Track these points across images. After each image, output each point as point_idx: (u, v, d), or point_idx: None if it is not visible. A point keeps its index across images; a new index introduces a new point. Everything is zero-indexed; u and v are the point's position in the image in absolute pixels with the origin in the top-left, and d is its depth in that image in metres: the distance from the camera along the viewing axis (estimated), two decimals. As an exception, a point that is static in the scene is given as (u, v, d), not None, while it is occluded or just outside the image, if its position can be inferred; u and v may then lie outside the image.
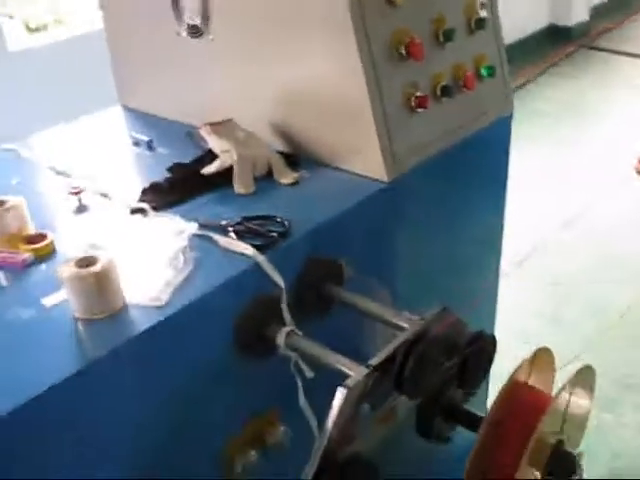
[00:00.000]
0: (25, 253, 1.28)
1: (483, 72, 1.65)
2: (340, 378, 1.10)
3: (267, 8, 1.53)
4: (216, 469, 1.29)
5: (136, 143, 1.76)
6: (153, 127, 1.84)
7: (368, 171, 1.47)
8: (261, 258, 1.21)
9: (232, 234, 1.27)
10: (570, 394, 1.56)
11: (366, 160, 1.47)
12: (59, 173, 1.61)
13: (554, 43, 6.46)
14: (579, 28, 6.69)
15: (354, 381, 1.07)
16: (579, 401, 1.65)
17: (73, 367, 1.02)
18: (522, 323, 2.95)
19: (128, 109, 2.02)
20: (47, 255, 1.29)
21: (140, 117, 1.95)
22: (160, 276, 1.20)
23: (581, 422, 1.71)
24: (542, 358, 1.65)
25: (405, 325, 1.22)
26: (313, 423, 1.29)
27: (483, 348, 1.34)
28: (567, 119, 5.07)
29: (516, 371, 1.55)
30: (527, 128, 4.38)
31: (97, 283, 1.09)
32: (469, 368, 1.32)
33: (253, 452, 1.31)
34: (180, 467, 1.23)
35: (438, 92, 1.54)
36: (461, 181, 1.67)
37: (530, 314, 3.09)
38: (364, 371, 1.10)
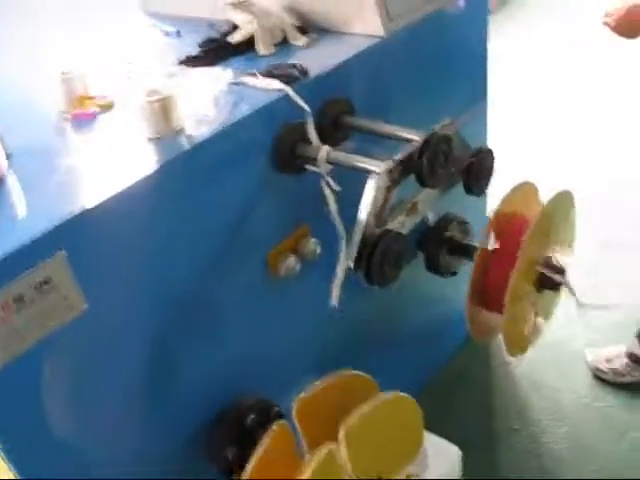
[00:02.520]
0: (93, 108, 1.58)
1: (460, -54, 1.92)
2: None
3: None
4: (264, 271, 1.59)
5: (166, 34, 2.04)
6: (177, 24, 2.09)
7: (368, 30, 1.74)
8: (288, 89, 1.49)
9: (260, 76, 1.56)
10: (551, 216, 1.84)
11: (366, 21, 1.74)
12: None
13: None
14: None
15: (383, 168, 1.36)
16: (561, 222, 1.93)
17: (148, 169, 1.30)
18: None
19: (151, 14, 2.29)
20: (109, 108, 1.59)
21: (163, 18, 2.21)
22: (207, 111, 1.49)
23: (566, 239, 1.99)
24: (526, 191, 1.93)
25: (417, 137, 1.49)
26: (341, 231, 1.58)
27: (485, 158, 1.60)
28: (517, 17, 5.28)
29: (502, 202, 1.84)
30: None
31: (163, 107, 1.38)
32: (474, 174, 1.58)
33: (293, 258, 1.61)
34: (233, 265, 1.53)
35: (423, -38, 1.82)
36: (447, 42, 1.96)
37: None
38: (391, 163, 1.38)
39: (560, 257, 1.94)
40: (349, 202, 1.46)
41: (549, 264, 1.86)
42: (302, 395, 1.38)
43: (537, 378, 2.43)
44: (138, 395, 1.39)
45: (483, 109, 2.25)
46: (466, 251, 1.90)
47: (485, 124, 2.28)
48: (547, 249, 1.87)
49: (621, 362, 2.38)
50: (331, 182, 1.52)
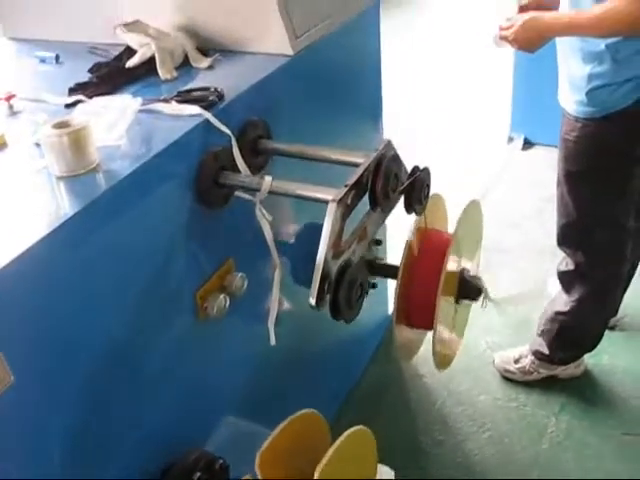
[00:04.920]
0: (-20, 148, 1.39)
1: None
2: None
3: None
4: (194, 312, 1.47)
5: (42, 60, 1.85)
6: (53, 48, 1.91)
7: (275, 49, 1.67)
8: (208, 114, 1.38)
9: (174, 102, 1.44)
10: (461, 227, 1.85)
11: (272, 41, 1.66)
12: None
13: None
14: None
15: (339, 197, 1.27)
16: (472, 232, 1.95)
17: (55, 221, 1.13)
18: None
19: (16, 39, 2.08)
20: (1, 146, 1.40)
21: (35, 43, 2.01)
22: (120, 143, 1.35)
23: (475, 246, 2.01)
24: (435, 202, 1.93)
25: (360, 160, 1.42)
26: (276, 260, 1.49)
27: (424, 176, 1.57)
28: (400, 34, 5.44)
29: (416, 221, 1.82)
30: None
31: (76, 140, 1.23)
32: (415, 193, 1.53)
33: (222, 296, 1.49)
34: (159, 312, 1.39)
35: (319, -23, 1.77)
36: (348, 53, 1.95)
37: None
38: (344, 189, 1.30)
39: (471, 265, 1.97)
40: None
41: (466, 275, 1.88)
42: (262, 448, 1.28)
43: (452, 387, 2.44)
44: (74, 459, 1.23)
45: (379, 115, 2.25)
46: (387, 271, 1.86)
47: (382, 131, 2.28)
48: (462, 259, 1.88)
49: (527, 361, 2.44)
50: (264, 212, 1.43)
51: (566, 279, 2.30)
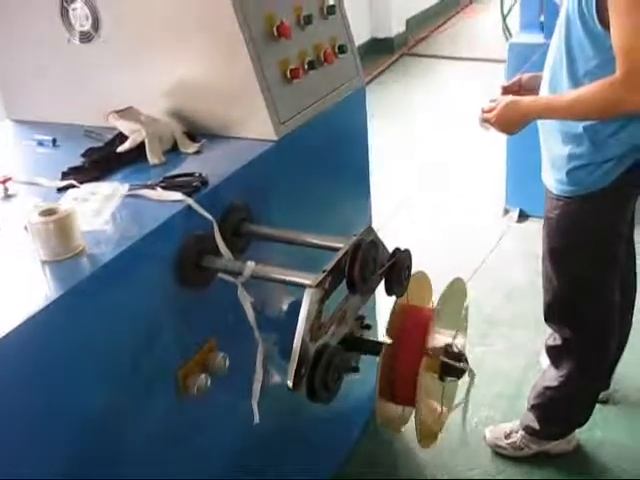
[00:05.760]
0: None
1: (337, 49, 1.98)
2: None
3: (155, 8, 1.77)
4: (175, 391, 1.50)
5: (40, 143, 1.93)
6: (51, 131, 1.99)
7: (260, 134, 1.74)
8: (190, 200, 1.45)
9: (159, 188, 1.50)
10: (445, 304, 1.88)
11: (257, 126, 1.74)
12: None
13: (378, 53, 7.05)
14: (398, 38, 7.34)
15: (317, 282, 1.32)
16: (456, 309, 1.98)
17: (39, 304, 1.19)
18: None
19: (18, 122, 2.17)
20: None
21: (35, 125, 2.10)
22: (105, 229, 1.41)
23: (461, 321, 2.03)
24: (419, 281, 1.96)
25: (339, 245, 1.47)
26: (258, 340, 1.53)
27: (404, 259, 1.62)
28: (394, 117, 5.59)
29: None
30: None
31: (61, 227, 1.29)
32: (395, 276, 1.58)
33: (203, 375, 1.53)
34: (141, 391, 1.43)
35: (306, 66, 1.86)
36: (334, 138, 2.01)
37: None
38: (321, 275, 1.35)
39: (457, 341, 1.99)
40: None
41: (450, 352, 1.89)
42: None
43: (441, 460, 2.43)
44: None
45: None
46: (371, 348, 1.89)
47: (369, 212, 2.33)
48: (446, 336, 1.90)
49: (518, 436, 2.44)
50: (245, 294, 1.48)
51: (554, 354, 2.32)
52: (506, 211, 3.99)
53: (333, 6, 1.98)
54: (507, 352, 2.97)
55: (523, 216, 3.93)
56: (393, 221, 3.90)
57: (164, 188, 1.50)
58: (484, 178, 4.43)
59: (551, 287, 2.23)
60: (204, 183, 1.52)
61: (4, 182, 1.65)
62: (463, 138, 4.66)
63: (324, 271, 1.35)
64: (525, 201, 3.87)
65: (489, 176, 4.33)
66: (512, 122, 2.00)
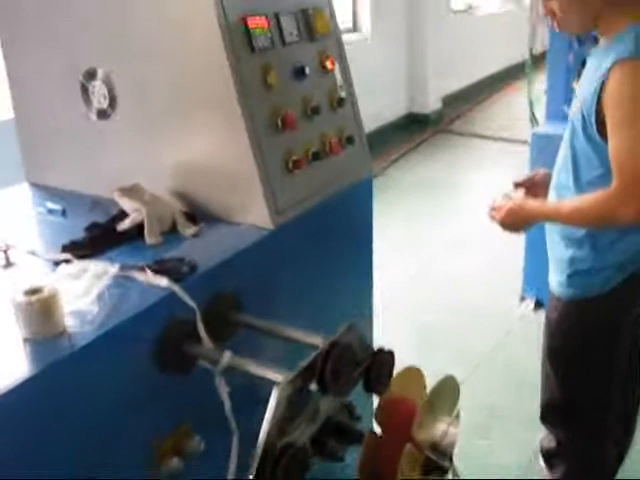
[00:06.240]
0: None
1: (344, 140, 2.03)
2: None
3: (165, 92, 1.85)
4: (146, 474, 1.50)
5: (50, 211, 2.00)
6: (63, 199, 2.07)
7: (257, 222, 1.78)
8: (176, 287, 1.48)
9: (148, 271, 1.54)
10: (437, 401, 1.86)
11: (254, 213, 1.78)
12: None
13: (413, 129, 7.15)
14: (434, 115, 7.45)
15: (286, 381, 1.33)
16: (446, 404, 1.96)
17: (21, 378, 1.23)
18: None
19: (36, 185, 2.26)
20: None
21: (49, 191, 2.18)
22: (91, 308, 1.44)
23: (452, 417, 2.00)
24: (412, 375, 1.96)
25: (318, 341, 1.48)
26: (234, 428, 1.53)
27: (385, 359, 1.62)
28: (422, 194, 5.64)
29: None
30: (387, 204, 4.98)
31: (43, 308, 1.32)
32: (374, 377, 1.59)
33: (176, 459, 1.53)
34: (114, 472, 1.43)
35: (310, 156, 1.90)
36: (335, 229, 2.02)
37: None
38: (293, 374, 1.36)
39: (449, 431, 1.96)
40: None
41: (436, 448, 1.87)
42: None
43: None
44: None
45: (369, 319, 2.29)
46: (354, 436, 1.87)
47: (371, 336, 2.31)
48: (433, 430, 1.88)
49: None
50: (222, 383, 1.49)
51: (549, 456, 2.27)
52: (522, 298, 3.96)
53: (343, 99, 2.03)
54: (508, 448, 2.91)
55: (540, 305, 3.89)
56: (403, 297, 3.90)
57: (154, 271, 1.54)
58: (501, 262, 4.41)
59: (548, 386, 2.21)
60: (193, 269, 1.55)
61: (5, 251, 1.70)
62: (484, 219, 4.68)
63: (297, 369, 1.36)
64: (543, 290, 3.82)
65: (507, 260, 4.31)
66: (515, 225, 2.04)
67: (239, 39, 1.73)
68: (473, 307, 3.98)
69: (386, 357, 1.60)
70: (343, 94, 2.05)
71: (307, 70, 1.90)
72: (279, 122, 1.81)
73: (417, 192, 5.59)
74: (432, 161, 6.46)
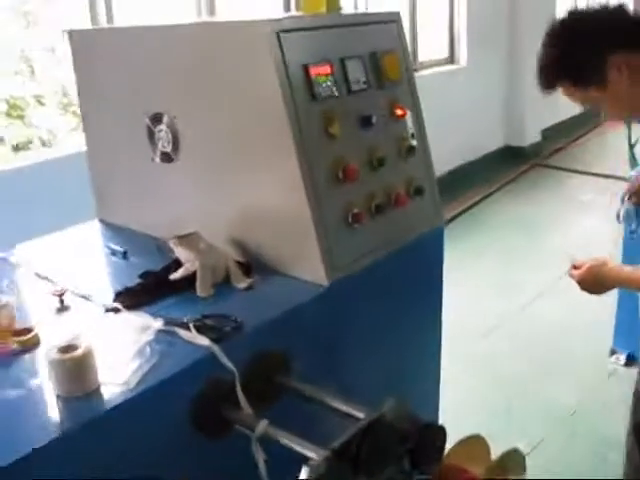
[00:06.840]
0: (13, 344, 1.50)
1: (412, 191, 1.93)
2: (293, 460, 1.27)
3: (227, 140, 1.81)
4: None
5: (113, 253, 2.00)
6: (127, 239, 2.08)
7: (311, 277, 1.71)
8: (215, 348, 1.42)
9: (192, 329, 1.49)
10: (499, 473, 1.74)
11: (309, 267, 1.71)
12: (43, 278, 1.83)
13: (510, 162, 6.92)
14: (532, 148, 7.19)
15: (317, 461, 1.24)
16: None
17: (50, 436, 1.21)
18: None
19: (105, 223, 2.28)
20: (33, 346, 1.50)
21: (116, 230, 2.19)
22: (130, 364, 1.40)
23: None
24: (475, 445, 1.83)
25: (361, 415, 1.39)
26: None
27: (433, 437, 1.50)
28: (517, 232, 5.42)
29: (448, 454, 1.73)
30: (479, 240, 4.80)
31: (76, 367, 1.29)
32: (420, 454, 1.47)
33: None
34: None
35: (373, 209, 1.81)
36: (397, 286, 1.90)
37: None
38: (325, 453, 1.26)
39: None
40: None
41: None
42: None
43: None
44: None
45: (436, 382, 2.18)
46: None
47: (437, 397, 2.20)
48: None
49: None
50: (259, 451, 1.41)
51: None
52: (612, 352, 3.71)
53: (413, 147, 1.93)
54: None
55: (631, 360, 3.63)
56: (485, 347, 3.73)
57: (197, 328, 1.49)
58: (591, 312, 4.15)
59: (630, 466, 2.02)
60: (237, 328, 1.49)
61: (61, 295, 1.70)
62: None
63: (329, 449, 1.27)
64: (635, 345, 3.58)
65: (597, 310, 4.05)
66: (594, 287, 1.89)
67: (300, 88, 1.67)
68: (560, 359, 3.75)
69: (435, 434, 1.48)
70: (414, 142, 1.95)
71: (374, 119, 1.82)
72: (340, 173, 1.73)
73: (511, 229, 5.39)
74: (527, 196, 6.22)
